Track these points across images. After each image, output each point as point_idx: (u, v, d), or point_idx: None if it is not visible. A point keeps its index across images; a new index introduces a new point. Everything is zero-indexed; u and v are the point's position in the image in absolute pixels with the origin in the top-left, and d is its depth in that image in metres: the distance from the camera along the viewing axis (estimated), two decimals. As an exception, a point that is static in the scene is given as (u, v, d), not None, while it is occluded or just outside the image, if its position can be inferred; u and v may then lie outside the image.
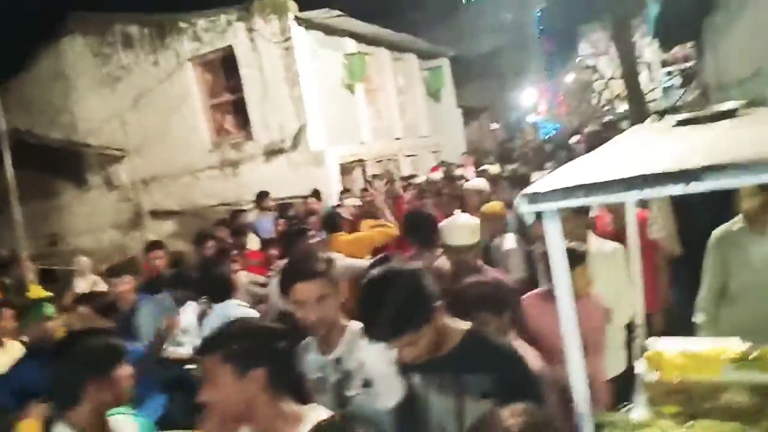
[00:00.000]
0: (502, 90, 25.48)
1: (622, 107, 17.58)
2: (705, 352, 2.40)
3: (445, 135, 16.49)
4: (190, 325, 4.01)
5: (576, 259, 2.59)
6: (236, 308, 3.72)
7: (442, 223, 3.39)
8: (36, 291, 5.32)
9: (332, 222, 5.11)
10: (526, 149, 10.59)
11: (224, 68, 10.94)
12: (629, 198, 1.42)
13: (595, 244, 3.31)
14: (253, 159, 10.74)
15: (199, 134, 11.08)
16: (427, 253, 3.60)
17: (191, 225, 10.98)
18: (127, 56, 11.42)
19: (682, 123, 2.70)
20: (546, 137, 21.20)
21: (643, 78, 25.11)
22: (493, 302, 2.28)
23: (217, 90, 11.16)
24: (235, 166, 10.90)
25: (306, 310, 2.03)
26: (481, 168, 9.01)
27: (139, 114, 11.26)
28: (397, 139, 13.78)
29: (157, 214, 11.11)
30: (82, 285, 6.04)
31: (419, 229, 3.82)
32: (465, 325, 1.88)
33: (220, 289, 3.83)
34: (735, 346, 2.42)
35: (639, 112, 11.19)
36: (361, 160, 12.04)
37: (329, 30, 11.40)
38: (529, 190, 1.47)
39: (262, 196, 8.33)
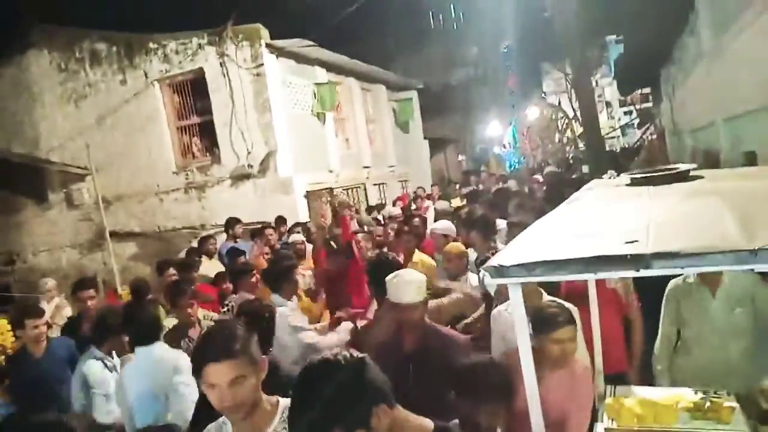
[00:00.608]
0: (468, 122, 26.04)
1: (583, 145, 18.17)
2: (662, 401, 2.54)
3: (412, 165, 16.76)
4: (109, 390, 3.68)
5: (559, 322, 2.64)
6: (164, 352, 3.45)
7: (388, 278, 3.03)
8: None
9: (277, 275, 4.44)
10: (489, 190, 10.84)
11: (193, 91, 10.92)
12: (586, 277, 1.53)
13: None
14: (220, 183, 10.70)
15: (165, 156, 10.99)
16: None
17: (154, 247, 10.83)
18: (94, 73, 11.29)
19: (636, 182, 2.89)
20: (510, 170, 21.71)
21: (603, 116, 26.02)
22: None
23: (186, 112, 11.11)
24: (201, 189, 10.83)
25: (219, 393, 1.80)
26: (442, 204, 9.16)
27: (104, 132, 11.11)
28: (365, 167, 13.92)
29: (119, 235, 10.90)
30: (47, 308, 5.87)
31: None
32: (429, 424, 1.73)
33: (146, 332, 3.48)
34: (689, 395, 2.56)
35: (597, 153, 11.62)
36: (329, 188, 12.11)
37: (300, 59, 11.54)
38: (493, 262, 1.57)
39: (232, 222, 8.25)
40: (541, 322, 2.62)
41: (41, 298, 6.69)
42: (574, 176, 10.44)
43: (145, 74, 10.92)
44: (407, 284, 2.90)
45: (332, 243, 6.73)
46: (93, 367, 3.69)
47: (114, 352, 3.83)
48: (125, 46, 11.07)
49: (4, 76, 11.71)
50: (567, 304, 2.91)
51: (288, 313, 3.98)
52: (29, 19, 11.58)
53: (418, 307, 2.90)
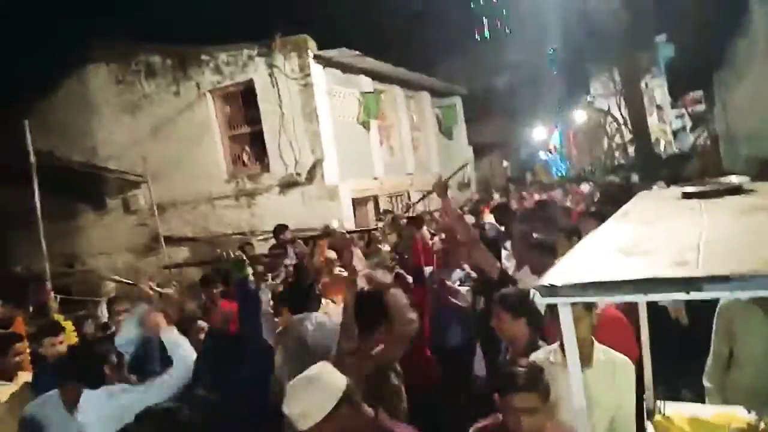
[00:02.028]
0: (513, 127, 25.82)
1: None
2: (712, 420, 2.52)
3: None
4: None
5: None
6: (114, 396, 3.15)
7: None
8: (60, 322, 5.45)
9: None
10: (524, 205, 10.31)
11: (244, 101, 11.25)
12: (636, 299, 1.57)
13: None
14: (269, 190, 10.97)
15: (217, 164, 11.35)
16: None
17: (205, 252, 11.18)
18: (149, 85, 11.76)
19: (687, 195, 2.87)
20: (557, 176, 21.41)
21: (654, 119, 25.34)
22: None
23: (236, 122, 11.46)
24: (251, 196, 11.13)
25: None
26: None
27: (158, 142, 11.54)
28: (409, 174, 14.01)
29: (172, 240, 11.31)
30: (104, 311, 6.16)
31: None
32: None
33: (93, 373, 3.26)
34: (741, 414, 2.53)
35: (648, 159, 11.39)
36: (374, 195, 12.26)
37: (346, 68, 11.74)
38: (544, 281, 1.62)
39: (280, 229, 8.40)
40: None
41: (101, 301, 7.03)
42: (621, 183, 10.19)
43: (198, 85, 11.31)
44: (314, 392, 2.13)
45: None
46: None
47: None
48: (179, 58, 11.50)
49: (65, 88, 12.30)
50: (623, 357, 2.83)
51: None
52: (87, 35, 12.15)
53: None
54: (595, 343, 2.83)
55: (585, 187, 10.66)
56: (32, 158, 7.94)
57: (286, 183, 10.80)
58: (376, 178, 12.31)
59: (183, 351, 3.54)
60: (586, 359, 2.71)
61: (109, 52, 12.04)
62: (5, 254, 10.61)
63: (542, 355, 2.95)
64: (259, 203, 11.08)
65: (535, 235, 4.84)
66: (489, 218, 8.43)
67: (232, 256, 3.61)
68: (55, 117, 12.13)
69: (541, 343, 3.24)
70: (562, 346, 2.70)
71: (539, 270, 4.22)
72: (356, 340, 3.08)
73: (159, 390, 3.25)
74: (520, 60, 26.27)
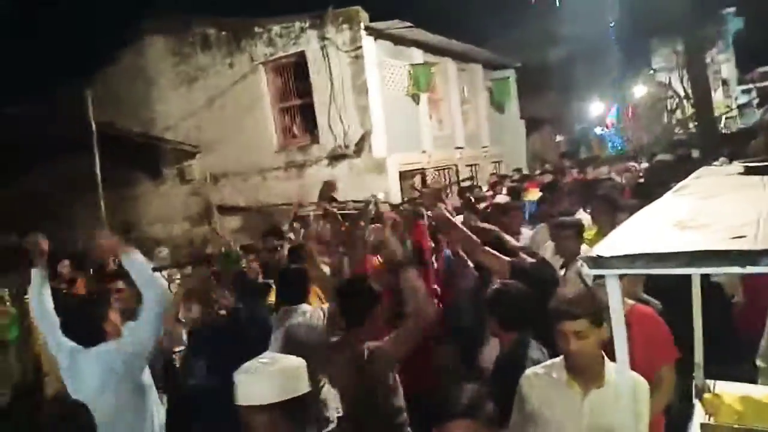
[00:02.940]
0: (568, 101, 25.07)
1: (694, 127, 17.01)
2: (765, 399, 2.44)
3: (507, 145, 16.46)
4: None
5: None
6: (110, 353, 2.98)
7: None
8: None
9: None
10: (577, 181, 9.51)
11: (295, 73, 11.33)
12: (689, 272, 1.53)
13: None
14: (318, 162, 11.08)
15: (268, 136, 11.52)
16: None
17: (256, 221, 11.44)
18: (204, 57, 11.98)
19: (750, 171, 2.75)
20: (613, 152, 20.76)
21: (719, 95, 24.17)
22: None
23: (287, 94, 11.56)
24: (301, 168, 11.27)
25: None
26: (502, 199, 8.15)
27: (213, 113, 11.79)
28: (458, 148, 13.87)
29: (225, 210, 11.61)
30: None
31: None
32: None
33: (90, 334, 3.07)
34: (793, 396, 2.44)
35: (709, 135, 10.89)
36: (421, 169, 12.20)
37: (397, 40, 11.63)
38: (593, 252, 1.59)
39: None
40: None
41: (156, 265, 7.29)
42: (680, 161, 9.67)
43: (251, 57, 11.45)
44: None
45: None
46: None
47: None
48: (233, 30, 11.64)
49: (123, 60, 12.67)
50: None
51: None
52: (144, 7, 12.44)
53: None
54: (607, 361, 2.35)
55: (631, 164, 10.22)
56: (93, 128, 8.27)
57: (335, 155, 10.88)
58: (424, 152, 12.24)
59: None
60: (595, 379, 2.35)
61: (166, 24, 12.31)
62: (68, 220, 11.11)
63: (542, 370, 2.51)
64: (307, 175, 11.21)
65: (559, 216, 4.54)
66: (534, 196, 8.18)
67: (223, 249, 3.47)
68: (115, 88, 12.52)
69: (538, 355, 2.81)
70: (567, 361, 2.40)
71: (561, 251, 4.04)
72: (343, 332, 2.91)
73: (138, 332, 3.01)
74: (578, 32, 25.36)
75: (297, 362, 2.03)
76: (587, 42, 24.73)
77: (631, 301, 2.93)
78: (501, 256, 3.55)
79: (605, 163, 11.57)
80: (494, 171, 15.33)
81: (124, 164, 12.29)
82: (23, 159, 11.50)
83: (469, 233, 3.72)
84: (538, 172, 12.76)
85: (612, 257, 1.53)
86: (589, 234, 4.48)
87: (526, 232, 5.64)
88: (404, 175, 11.47)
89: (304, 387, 1.99)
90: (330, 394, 3.49)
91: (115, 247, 3.19)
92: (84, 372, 2.96)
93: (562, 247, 4.01)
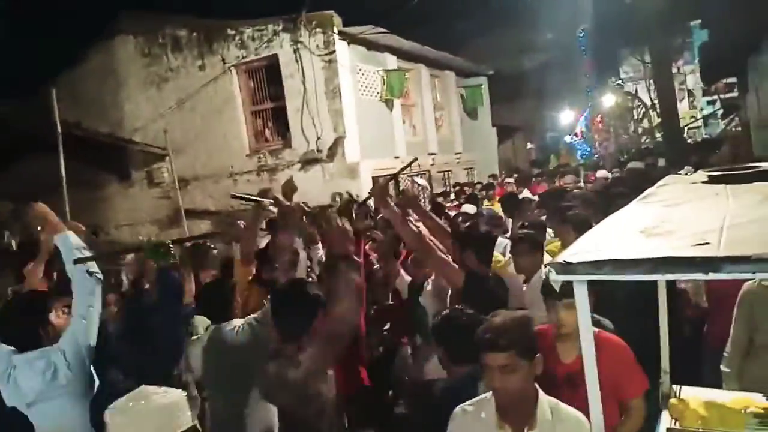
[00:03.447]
0: (539, 109, 25.45)
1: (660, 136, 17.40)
2: (729, 405, 2.47)
3: (479, 152, 16.62)
4: None
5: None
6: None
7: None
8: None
9: None
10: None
11: (267, 76, 11.25)
12: (655, 278, 1.54)
13: None
14: (290, 166, 11.01)
15: (239, 139, 11.41)
16: None
17: (226, 226, 11.30)
18: (175, 58, 11.82)
19: (714, 180, 2.80)
20: (581, 159, 21.10)
21: (684, 105, 24.76)
22: None
23: (259, 97, 11.47)
24: (273, 172, 11.18)
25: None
26: (467, 208, 7.76)
27: (183, 115, 11.63)
28: (431, 154, 13.93)
29: (195, 213, 11.43)
30: (126, 281, 6.26)
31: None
32: None
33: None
34: (759, 401, 2.49)
35: (675, 145, 11.14)
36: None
37: (371, 45, 11.65)
38: (559, 258, 1.60)
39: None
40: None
41: (122, 270, 7.14)
42: (648, 170, 9.82)
43: (223, 60, 11.33)
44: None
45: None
46: None
47: None
48: (205, 32, 11.52)
49: (94, 60, 12.43)
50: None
51: None
52: (115, 6, 12.22)
53: None
54: (542, 398, 2.16)
55: (602, 173, 10.31)
56: (58, 128, 8.06)
57: (308, 159, 10.82)
58: (397, 157, 12.26)
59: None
60: (527, 418, 2.12)
61: (137, 24, 12.11)
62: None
63: (471, 408, 2.26)
64: (280, 179, 11.10)
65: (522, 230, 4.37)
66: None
67: (152, 241, 3.02)
68: (83, 88, 12.29)
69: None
70: (496, 399, 2.17)
71: (520, 266, 3.85)
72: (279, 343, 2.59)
73: (72, 328, 2.75)
74: (550, 41, 25.79)
75: (173, 398, 1.90)
76: (559, 51, 25.20)
77: (594, 328, 2.73)
78: (452, 267, 3.25)
79: (573, 172, 11.70)
80: (467, 178, 15.44)
81: (92, 166, 12.04)
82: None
83: (439, 222, 3.56)
84: (501, 179, 12.66)
85: (579, 263, 1.54)
86: (554, 247, 4.46)
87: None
88: (377, 181, 11.45)
89: (184, 422, 1.87)
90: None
91: (53, 222, 2.97)
92: (19, 378, 2.69)
93: (521, 262, 3.84)
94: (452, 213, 7.96)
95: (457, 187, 11.61)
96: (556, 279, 1.55)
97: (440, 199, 10.39)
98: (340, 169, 10.67)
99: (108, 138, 11.99)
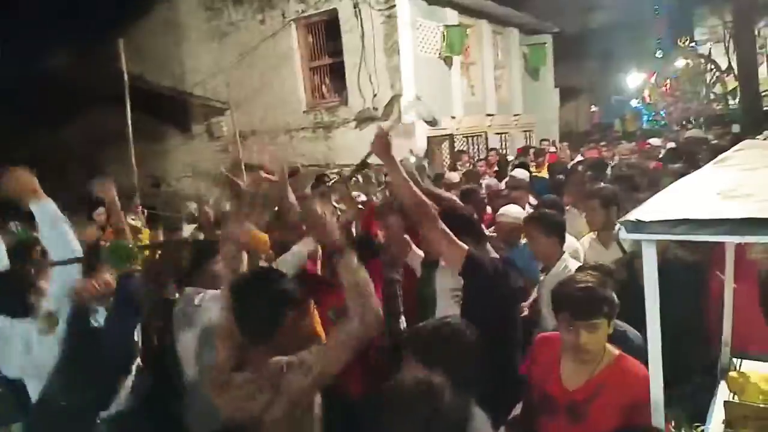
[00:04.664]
0: (605, 71, 24.33)
1: (735, 102, 16.40)
2: (795, 381, 2.37)
3: (540, 114, 16.11)
4: None
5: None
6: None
7: None
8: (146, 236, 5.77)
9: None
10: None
11: (326, 32, 11.16)
12: (731, 239, 1.46)
13: None
14: (346, 124, 10.99)
15: (297, 95, 11.44)
16: None
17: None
18: (236, 12, 11.85)
19: (797, 144, 2.62)
20: (647, 125, 20.24)
21: (763, 69, 23.16)
22: None
23: (318, 53, 11.42)
24: (328, 129, 11.20)
25: None
26: (519, 173, 6.93)
27: (242, 70, 11.72)
28: (489, 115, 13.61)
29: (251, 168, 11.63)
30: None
31: None
32: None
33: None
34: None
35: (752, 111, 10.50)
36: (450, 135, 12.03)
37: (432, 0, 11.33)
38: (631, 216, 1.53)
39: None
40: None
41: (183, 219, 7.38)
42: (715, 139, 9.18)
43: (283, 14, 11.28)
44: None
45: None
46: None
47: None
48: (266, -15, 11.47)
49: (157, 13, 12.62)
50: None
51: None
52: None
53: None
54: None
55: (655, 141, 9.72)
56: (126, 80, 8.26)
57: (363, 117, 10.76)
58: (453, 117, 12.04)
59: (59, 229, 2.63)
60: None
61: (200, -24, 12.17)
62: (98, 171, 11.28)
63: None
64: (335, 136, 11.14)
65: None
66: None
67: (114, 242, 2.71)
68: (147, 41, 12.52)
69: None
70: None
71: (538, 254, 3.53)
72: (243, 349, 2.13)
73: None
74: (619, -1, 24.45)
75: None
76: (628, 9, 23.85)
77: (615, 350, 2.20)
78: (458, 241, 2.75)
79: (634, 139, 11.13)
80: (525, 141, 15.06)
81: (154, 118, 12.35)
82: (57, 111, 11.65)
83: (422, 199, 2.84)
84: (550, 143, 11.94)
85: (652, 222, 1.47)
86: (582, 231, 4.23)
87: None
88: (432, 141, 11.33)
89: None
90: None
91: (29, 186, 2.66)
92: (8, 347, 2.62)
93: (534, 247, 3.47)
94: (486, 180, 7.65)
95: (493, 152, 10.80)
96: (626, 237, 1.48)
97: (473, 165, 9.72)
98: (395, 129, 10.54)
99: (170, 91, 12.26)
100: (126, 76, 8.29)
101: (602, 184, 4.60)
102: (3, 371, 2.68)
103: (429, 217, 2.78)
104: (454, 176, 7.30)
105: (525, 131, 15.56)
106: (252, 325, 2.09)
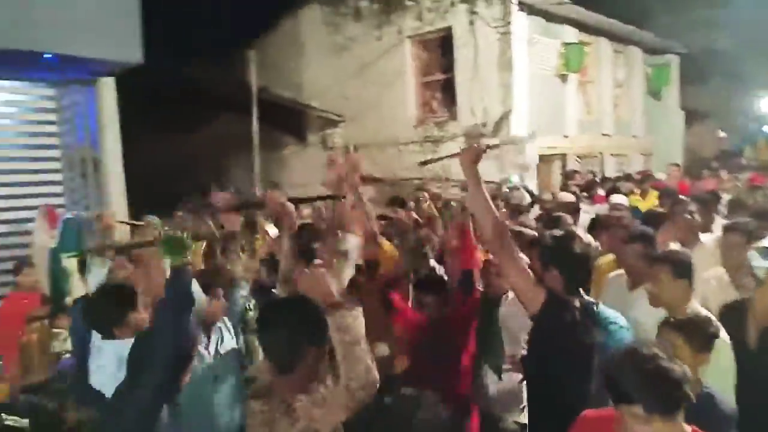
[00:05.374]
0: (734, 94, 22.55)
1: None
2: None
3: (662, 137, 15.25)
4: None
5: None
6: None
7: None
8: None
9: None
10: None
11: (440, 47, 11.29)
12: None
13: None
14: (454, 139, 11.01)
15: (408, 109, 11.64)
16: None
17: (389, 193, 11.69)
18: (354, 28, 12.30)
19: None
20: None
21: None
22: None
23: (430, 68, 11.57)
24: (436, 144, 11.27)
25: None
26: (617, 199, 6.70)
27: (358, 83, 12.11)
28: (605, 135, 13.09)
29: (361, 179, 11.94)
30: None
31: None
32: None
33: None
34: None
35: None
36: (562, 154, 11.70)
37: (550, 17, 11.14)
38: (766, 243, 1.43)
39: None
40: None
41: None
42: None
43: (399, 30, 11.56)
44: None
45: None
46: None
47: None
48: (385, 2, 11.80)
49: (283, 27, 13.35)
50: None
51: None
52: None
53: None
54: None
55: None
56: (254, 91, 8.78)
57: (472, 133, 10.71)
58: (566, 136, 11.71)
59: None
60: None
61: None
62: (223, 177, 12.04)
63: None
64: (443, 151, 11.15)
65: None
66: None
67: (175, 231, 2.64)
68: (271, 55, 13.26)
69: None
70: None
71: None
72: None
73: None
74: (752, 17, 22.59)
75: None
76: (760, 29, 21.99)
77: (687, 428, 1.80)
78: (529, 281, 2.48)
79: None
80: (644, 164, 14.30)
81: (274, 128, 13.06)
82: (188, 118, 12.64)
83: (504, 224, 2.59)
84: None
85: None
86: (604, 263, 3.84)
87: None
88: (544, 159, 11.08)
89: None
90: None
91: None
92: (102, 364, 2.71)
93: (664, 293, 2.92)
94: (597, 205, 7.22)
95: (580, 174, 10.20)
96: (762, 266, 1.39)
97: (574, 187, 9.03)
98: (505, 145, 10.43)
99: (290, 102, 12.91)
100: (255, 88, 8.82)
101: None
102: (97, 387, 2.71)
103: (508, 247, 2.51)
104: (567, 195, 6.95)
105: (644, 154, 14.79)
106: (273, 353, 2.01)
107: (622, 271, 3.57)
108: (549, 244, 2.65)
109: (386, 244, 4.47)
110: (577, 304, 2.46)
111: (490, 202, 2.59)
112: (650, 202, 7.24)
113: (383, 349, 3.36)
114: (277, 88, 13.05)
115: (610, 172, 12.76)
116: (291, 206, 3.35)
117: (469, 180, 2.65)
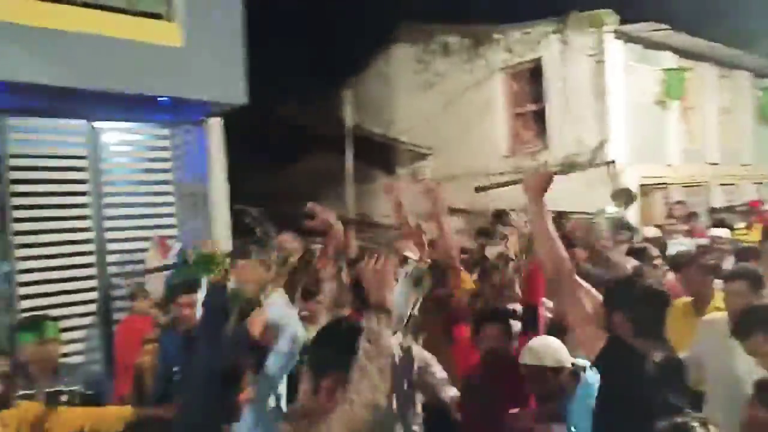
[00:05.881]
0: None
1: None
2: None
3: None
4: None
5: None
6: None
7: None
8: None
9: None
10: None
11: (530, 78, 11.22)
12: None
13: None
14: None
15: (498, 140, 11.60)
16: None
17: (477, 224, 11.59)
18: (443, 64, 12.50)
19: None
20: None
21: None
22: None
23: (521, 100, 11.52)
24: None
25: None
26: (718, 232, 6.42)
27: (446, 118, 12.23)
28: (711, 164, 12.35)
29: (450, 210, 11.95)
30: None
31: None
32: None
33: None
34: None
35: None
36: (664, 184, 11.15)
37: (648, 43, 10.80)
38: None
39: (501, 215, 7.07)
40: None
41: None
42: None
43: (488, 64, 11.64)
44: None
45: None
46: None
47: None
48: (474, 38, 11.96)
49: (374, 67, 13.81)
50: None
51: None
52: (398, 19, 13.39)
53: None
54: None
55: None
56: (349, 128, 9.07)
57: (566, 163, 10.49)
58: (669, 165, 11.16)
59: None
60: None
61: (412, 33, 13.11)
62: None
63: None
64: (534, 182, 10.97)
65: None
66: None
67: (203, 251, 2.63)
68: (364, 92, 13.72)
69: None
70: None
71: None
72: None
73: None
74: None
75: None
76: None
77: None
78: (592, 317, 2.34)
79: None
80: (757, 194, 13.30)
81: (366, 161, 13.41)
82: (287, 153, 13.26)
83: (561, 251, 2.43)
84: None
85: None
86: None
87: None
88: (644, 190, 10.60)
89: None
90: None
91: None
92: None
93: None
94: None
95: (679, 205, 9.60)
96: None
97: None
98: (602, 175, 10.09)
99: (380, 137, 13.24)
100: (350, 126, 9.13)
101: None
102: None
103: (570, 281, 2.37)
104: (724, 232, 6.49)
105: (756, 183, 13.77)
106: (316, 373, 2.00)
107: (720, 314, 3.28)
108: (611, 286, 2.49)
109: (465, 275, 4.35)
110: (652, 353, 2.23)
111: (554, 235, 2.44)
112: (756, 235, 6.66)
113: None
114: (369, 124, 13.43)
115: (718, 202, 11.98)
116: (340, 225, 3.24)
117: (532, 209, 2.50)
